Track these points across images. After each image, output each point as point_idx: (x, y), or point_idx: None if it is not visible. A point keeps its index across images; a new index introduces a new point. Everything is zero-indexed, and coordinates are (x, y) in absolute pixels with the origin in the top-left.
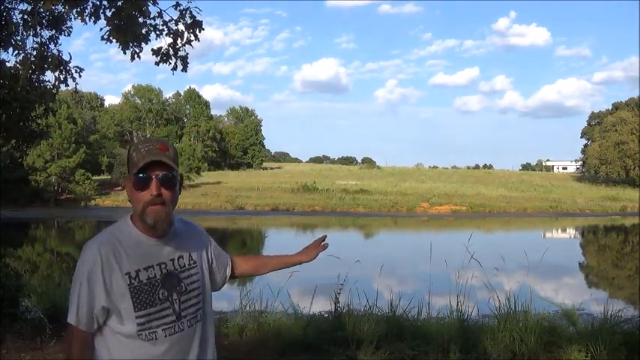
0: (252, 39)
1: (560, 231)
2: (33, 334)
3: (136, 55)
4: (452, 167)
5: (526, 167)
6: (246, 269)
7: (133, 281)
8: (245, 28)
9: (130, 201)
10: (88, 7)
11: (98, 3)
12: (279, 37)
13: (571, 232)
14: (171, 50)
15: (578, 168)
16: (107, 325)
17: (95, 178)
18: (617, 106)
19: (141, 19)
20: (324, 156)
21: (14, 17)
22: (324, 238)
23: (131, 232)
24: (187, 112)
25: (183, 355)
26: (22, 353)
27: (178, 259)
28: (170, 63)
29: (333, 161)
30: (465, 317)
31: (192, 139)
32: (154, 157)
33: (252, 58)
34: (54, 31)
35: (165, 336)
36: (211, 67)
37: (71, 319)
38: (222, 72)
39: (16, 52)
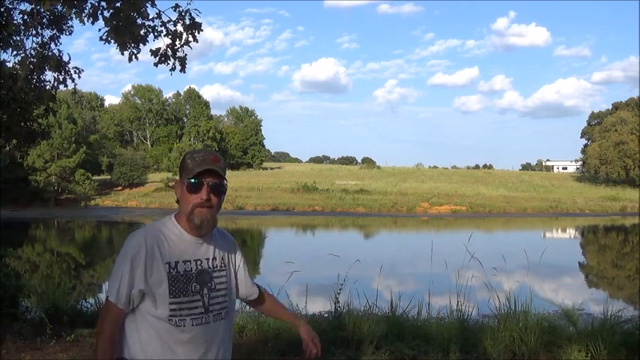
0: (254, 39)
1: (560, 231)
2: (33, 334)
3: (133, 57)
4: (452, 167)
5: (526, 167)
6: (259, 307)
7: (172, 270)
8: (247, 28)
9: (177, 201)
10: (87, 7)
11: (97, 3)
12: (281, 37)
13: (571, 232)
14: (169, 51)
15: (578, 168)
16: (139, 308)
17: (95, 178)
18: (617, 106)
19: (139, 20)
20: (324, 156)
21: (15, 17)
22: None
23: (175, 228)
24: (187, 112)
25: (207, 345)
26: (22, 353)
27: (212, 259)
28: (168, 64)
29: (333, 161)
30: (465, 317)
31: (192, 139)
32: (207, 165)
33: (253, 58)
34: (55, 31)
35: (193, 325)
36: (212, 67)
37: (112, 297)
38: (223, 72)
39: (15, 52)
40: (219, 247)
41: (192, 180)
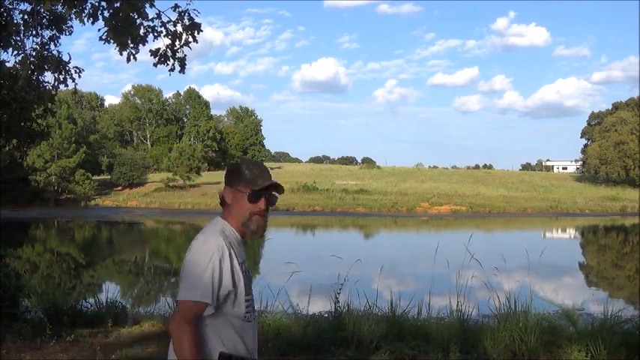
0: (255, 39)
1: (560, 231)
2: (33, 334)
3: (132, 57)
4: (452, 167)
5: (526, 167)
6: None
7: (242, 269)
8: (247, 28)
9: (221, 204)
10: (87, 7)
11: (97, 4)
12: (282, 37)
13: (571, 232)
14: (169, 52)
15: (578, 168)
16: (219, 308)
17: (95, 178)
18: (617, 106)
19: (138, 21)
20: (324, 156)
21: (15, 18)
22: None
23: (233, 231)
24: (187, 112)
25: (255, 338)
26: (22, 353)
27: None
28: (168, 64)
29: (333, 161)
30: (465, 317)
31: (192, 139)
32: (271, 181)
33: (253, 58)
34: (54, 31)
35: (253, 320)
36: (212, 67)
37: (205, 299)
38: (223, 72)
39: (16, 52)
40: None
41: (256, 191)
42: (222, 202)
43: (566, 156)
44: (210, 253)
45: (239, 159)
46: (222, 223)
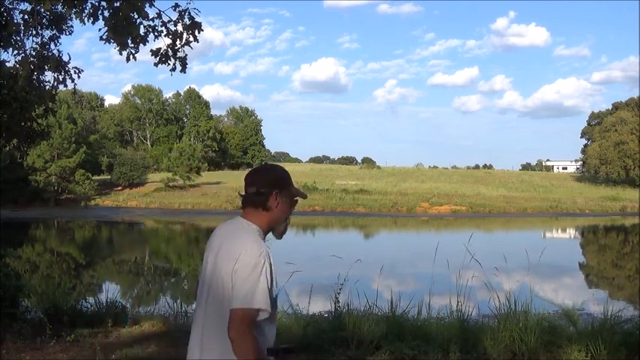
0: (255, 39)
1: (560, 231)
2: (33, 334)
3: (131, 57)
4: (452, 167)
5: (526, 167)
6: None
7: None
8: (248, 28)
9: (270, 209)
10: (87, 7)
11: (96, 4)
12: (282, 37)
13: (571, 232)
14: (170, 51)
15: (578, 168)
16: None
17: (95, 178)
18: (617, 106)
19: (139, 20)
20: (324, 156)
21: (15, 17)
22: None
23: (261, 234)
24: (187, 112)
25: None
26: (22, 353)
27: None
28: (169, 64)
29: (333, 161)
30: (465, 317)
31: (192, 139)
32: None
33: (254, 58)
34: (55, 31)
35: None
36: (212, 67)
37: (263, 305)
38: (223, 72)
39: (16, 52)
40: None
41: (296, 199)
42: (259, 204)
43: (566, 156)
44: (261, 260)
45: (272, 164)
46: (250, 224)
